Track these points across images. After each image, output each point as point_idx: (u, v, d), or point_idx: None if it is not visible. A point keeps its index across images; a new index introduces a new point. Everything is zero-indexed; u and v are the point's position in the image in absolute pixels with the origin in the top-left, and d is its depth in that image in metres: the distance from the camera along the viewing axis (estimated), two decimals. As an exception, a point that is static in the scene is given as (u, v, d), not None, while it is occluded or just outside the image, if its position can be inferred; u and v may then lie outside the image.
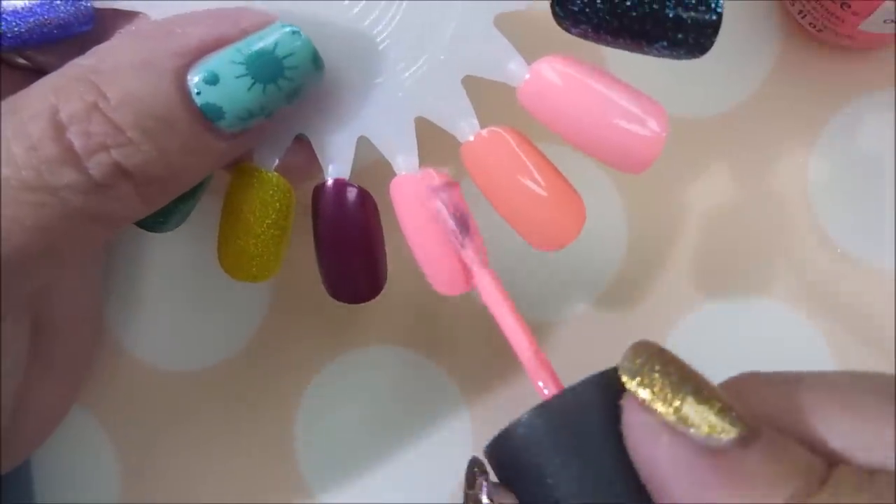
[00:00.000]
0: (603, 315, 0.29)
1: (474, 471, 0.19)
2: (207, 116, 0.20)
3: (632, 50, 0.21)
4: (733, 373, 0.28)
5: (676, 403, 0.16)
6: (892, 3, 0.25)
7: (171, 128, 0.19)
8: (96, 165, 0.19)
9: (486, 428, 0.29)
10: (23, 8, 0.21)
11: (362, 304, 0.29)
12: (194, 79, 0.20)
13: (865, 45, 0.28)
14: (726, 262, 0.29)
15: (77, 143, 0.19)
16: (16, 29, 0.21)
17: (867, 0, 0.25)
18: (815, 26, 0.28)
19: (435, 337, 0.29)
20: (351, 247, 0.23)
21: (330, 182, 0.22)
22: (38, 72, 0.24)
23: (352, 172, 0.23)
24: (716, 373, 0.28)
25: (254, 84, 0.20)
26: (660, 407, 0.16)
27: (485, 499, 0.18)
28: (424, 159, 0.22)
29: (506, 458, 0.19)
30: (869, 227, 0.28)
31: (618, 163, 0.21)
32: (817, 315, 0.28)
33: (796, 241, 0.29)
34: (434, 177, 0.22)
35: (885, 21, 0.26)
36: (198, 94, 0.20)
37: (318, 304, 0.29)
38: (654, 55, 0.20)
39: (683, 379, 0.17)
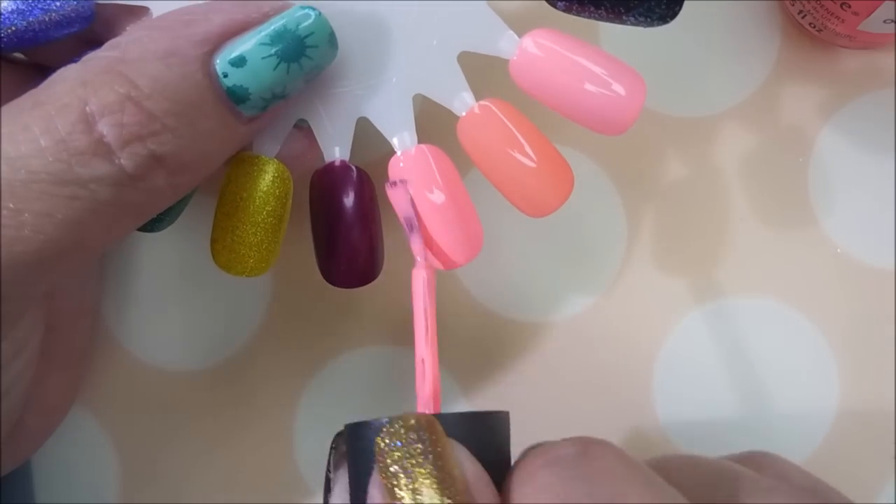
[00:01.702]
0: (603, 315, 0.29)
1: (333, 443, 0.21)
2: (232, 100, 0.21)
3: (611, 19, 0.22)
4: (732, 372, 0.28)
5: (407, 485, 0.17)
6: (892, 2, 0.25)
7: (203, 113, 0.20)
8: (130, 156, 0.19)
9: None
10: (23, 5, 0.21)
11: (361, 304, 0.29)
12: (221, 63, 0.20)
13: (865, 45, 0.28)
14: (726, 261, 0.29)
15: (110, 134, 0.19)
16: (15, 27, 0.21)
17: (867, 0, 0.25)
18: (815, 26, 0.28)
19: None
20: (349, 226, 0.23)
21: (330, 163, 0.23)
22: (37, 67, 0.24)
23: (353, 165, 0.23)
24: (715, 372, 0.28)
25: (279, 63, 0.21)
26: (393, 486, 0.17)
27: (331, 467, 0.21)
28: (425, 137, 0.23)
29: (351, 442, 0.20)
30: (869, 227, 0.28)
31: (596, 125, 0.22)
32: (817, 315, 0.28)
33: (796, 241, 0.29)
34: (431, 162, 0.23)
35: (885, 21, 0.26)
36: (225, 76, 0.20)
37: (319, 304, 0.29)
38: (631, 23, 0.22)
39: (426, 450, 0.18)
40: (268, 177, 0.23)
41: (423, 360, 0.20)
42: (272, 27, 0.20)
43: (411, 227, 0.22)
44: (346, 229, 0.23)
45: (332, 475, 0.21)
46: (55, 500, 0.29)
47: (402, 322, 0.29)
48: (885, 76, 0.29)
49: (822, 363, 0.28)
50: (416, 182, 0.23)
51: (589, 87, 0.22)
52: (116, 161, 0.19)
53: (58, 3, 0.21)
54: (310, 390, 0.29)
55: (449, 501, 0.17)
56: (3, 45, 0.21)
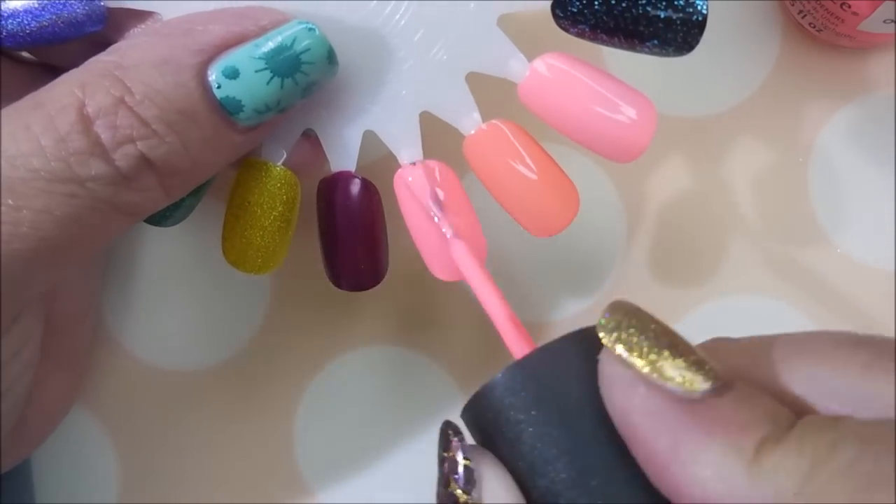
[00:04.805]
0: (603, 315, 0.29)
1: (448, 432, 0.19)
2: (226, 110, 0.21)
3: (625, 48, 0.22)
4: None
5: (652, 357, 0.17)
6: (893, 2, 0.25)
7: (193, 121, 0.20)
8: (123, 157, 0.20)
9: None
10: (35, 6, 0.21)
11: (362, 305, 0.29)
12: (215, 73, 0.20)
13: (865, 45, 0.28)
14: (726, 261, 0.29)
15: (104, 135, 0.19)
16: (28, 27, 0.21)
17: (867, 0, 0.25)
18: (815, 26, 0.28)
19: (434, 337, 0.29)
20: (355, 235, 0.24)
21: (336, 174, 0.23)
22: (45, 67, 0.24)
23: (357, 168, 0.23)
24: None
25: (272, 78, 0.20)
26: (636, 360, 0.17)
27: (461, 458, 0.18)
28: (429, 153, 0.23)
29: (483, 418, 0.19)
30: (869, 227, 0.28)
31: (608, 151, 0.22)
32: (817, 315, 0.28)
33: (796, 241, 0.29)
34: (437, 176, 0.23)
35: (885, 21, 0.26)
36: (218, 87, 0.20)
37: (319, 305, 0.29)
38: (646, 53, 0.22)
39: (659, 334, 0.17)
40: (274, 182, 0.23)
41: (502, 320, 0.20)
42: (268, 41, 0.20)
43: (439, 204, 0.22)
44: (352, 237, 0.24)
45: (464, 460, 0.18)
46: (55, 500, 0.29)
47: (401, 322, 0.29)
48: (885, 76, 0.29)
49: (822, 363, 0.28)
50: (420, 196, 0.23)
51: (600, 111, 0.22)
52: (112, 161, 0.19)
53: (69, 6, 0.21)
54: (310, 390, 0.29)
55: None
56: (13, 45, 0.22)
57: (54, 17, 0.21)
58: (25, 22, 0.21)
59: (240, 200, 0.23)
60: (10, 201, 0.19)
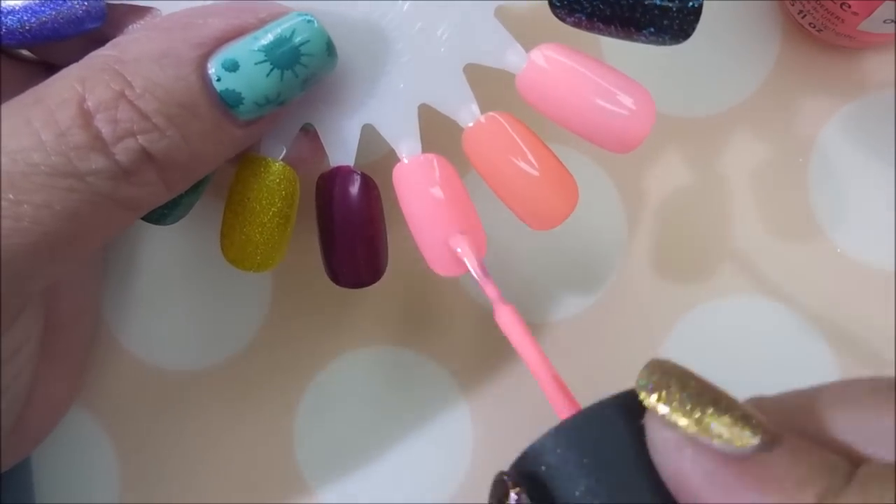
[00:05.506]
0: (603, 315, 0.29)
1: (505, 482, 0.18)
2: (226, 103, 0.21)
3: (621, 37, 0.22)
4: (733, 373, 0.28)
5: (696, 415, 0.17)
6: (893, 2, 0.25)
7: (193, 114, 0.20)
8: (123, 151, 0.20)
9: (487, 426, 0.29)
10: (35, 3, 0.21)
11: (363, 304, 0.29)
12: (215, 66, 0.20)
13: (865, 45, 0.28)
14: (726, 261, 0.29)
15: (104, 129, 0.19)
16: (27, 24, 0.21)
17: (867, 0, 0.25)
18: (815, 26, 0.28)
19: (434, 336, 0.29)
20: (353, 231, 0.24)
21: (335, 168, 0.23)
22: (45, 65, 0.24)
23: (357, 166, 0.23)
24: (716, 373, 0.28)
25: (272, 70, 0.21)
26: (680, 421, 0.17)
27: None
28: (429, 147, 0.23)
29: (530, 479, 0.18)
30: (869, 227, 0.28)
31: (606, 142, 0.22)
32: (817, 315, 0.28)
33: (796, 240, 0.29)
34: (436, 169, 0.23)
35: (885, 21, 0.26)
36: (218, 80, 0.20)
37: (319, 304, 0.29)
38: (643, 41, 0.22)
39: (701, 391, 0.17)
40: (273, 178, 0.23)
41: (547, 380, 0.20)
42: (267, 33, 0.21)
43: (486, 272, 0.22)
44: (351, 232, 0.24)
45: None
46: (55, 500, 0.29)
47: (401, 322, 0.29)
48: (885, 76, 0.29)
49: (822, 364, 0.28)
50: (419, 190, 0.23)
51: (599, 102, 0.22)
52: (112, 155, 0.19)
53: (69, 2, 0.21)
54: (310, 390, 0.29)
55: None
56: (12, 42, 0.22)
57: (54, 13, 0.21)
58: (25, 18, 0.21)
59: (238, 197, 0.23)
60: (10, 196, 0.19)
